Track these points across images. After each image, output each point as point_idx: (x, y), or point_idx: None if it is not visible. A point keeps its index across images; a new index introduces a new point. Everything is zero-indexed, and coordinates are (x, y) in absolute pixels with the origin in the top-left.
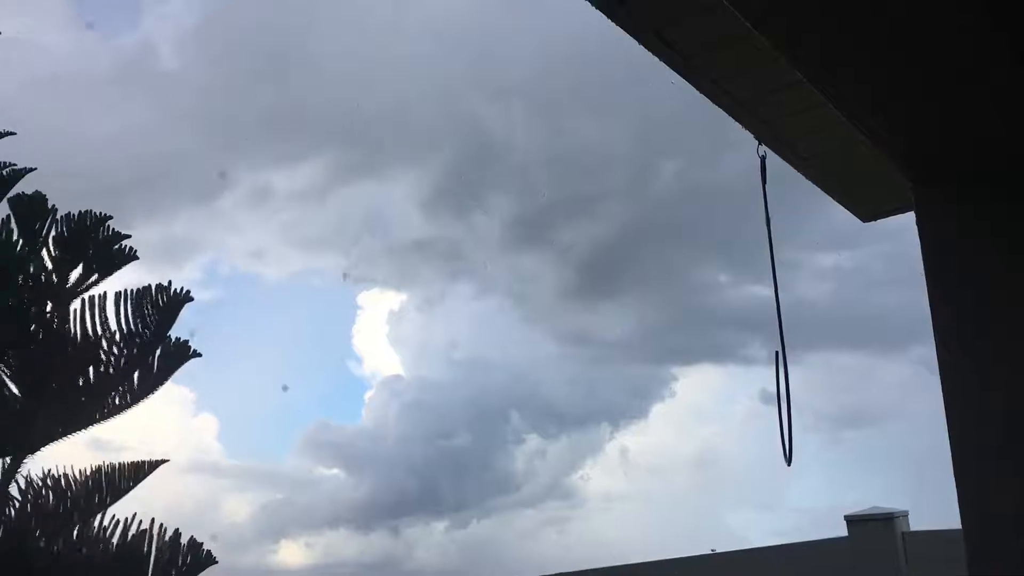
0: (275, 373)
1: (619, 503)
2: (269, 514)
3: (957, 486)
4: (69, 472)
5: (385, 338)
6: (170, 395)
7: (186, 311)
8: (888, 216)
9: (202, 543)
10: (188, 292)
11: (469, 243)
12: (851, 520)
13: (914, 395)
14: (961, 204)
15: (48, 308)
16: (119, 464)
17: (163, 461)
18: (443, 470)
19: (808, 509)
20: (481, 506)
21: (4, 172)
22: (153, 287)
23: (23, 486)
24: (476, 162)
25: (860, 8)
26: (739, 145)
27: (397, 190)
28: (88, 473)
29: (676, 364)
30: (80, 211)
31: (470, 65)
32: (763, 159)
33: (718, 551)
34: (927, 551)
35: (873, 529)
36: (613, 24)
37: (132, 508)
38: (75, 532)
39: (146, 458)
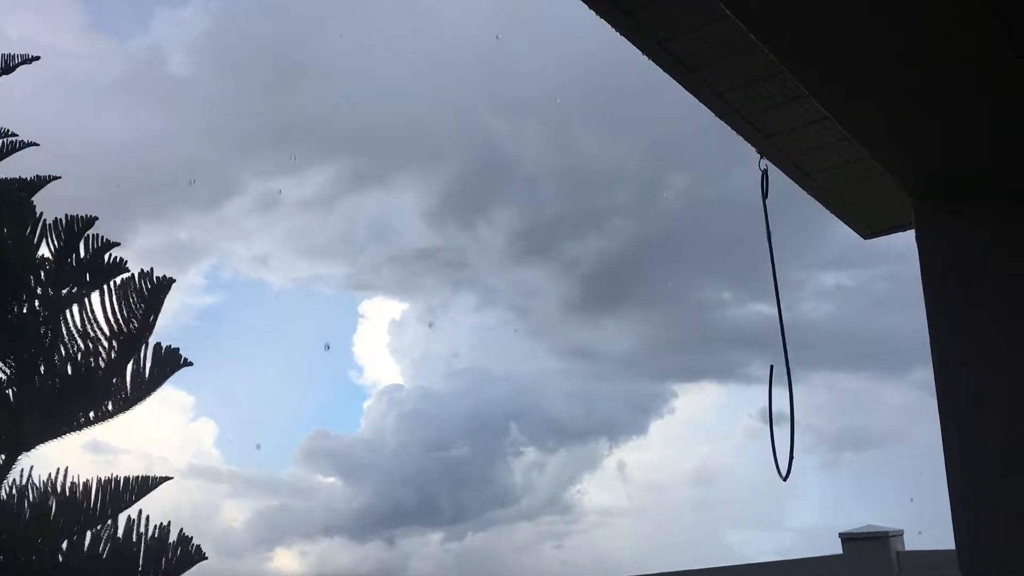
0: (275, 380)
1: (616, 518)
2: (265, 521)
3: (952, 509)
4: (74, 480)
5: (386, 347)
6: (169, 399)
7: (188, 315)
8: (889, 233)
9: (191, 537)
10: (172, 279)
11: (473, 255)
12: (846, 538)
13: (915, 418)
14: (961, 221)
15: (38, 311)
16: (124, 478)
17: (167, 478)
18: (440, 481)
19: (807, 529)
20: (478, 518)
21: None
22: (136, 275)
23: (19, 491)
24: (482, 174)
25: (861, 23)
26: (746, 162)
27: (403, 200)
28: (93, 484)
29: (677, 381)
30: (67, 216)
31: (480, 78)
32: (764, 173)
33: (712, 567)
34: (922, 571)
35: (868, 548)
36: (620, 36)
37: (129, 512)
38: (74, 539)
39: (148, 467)
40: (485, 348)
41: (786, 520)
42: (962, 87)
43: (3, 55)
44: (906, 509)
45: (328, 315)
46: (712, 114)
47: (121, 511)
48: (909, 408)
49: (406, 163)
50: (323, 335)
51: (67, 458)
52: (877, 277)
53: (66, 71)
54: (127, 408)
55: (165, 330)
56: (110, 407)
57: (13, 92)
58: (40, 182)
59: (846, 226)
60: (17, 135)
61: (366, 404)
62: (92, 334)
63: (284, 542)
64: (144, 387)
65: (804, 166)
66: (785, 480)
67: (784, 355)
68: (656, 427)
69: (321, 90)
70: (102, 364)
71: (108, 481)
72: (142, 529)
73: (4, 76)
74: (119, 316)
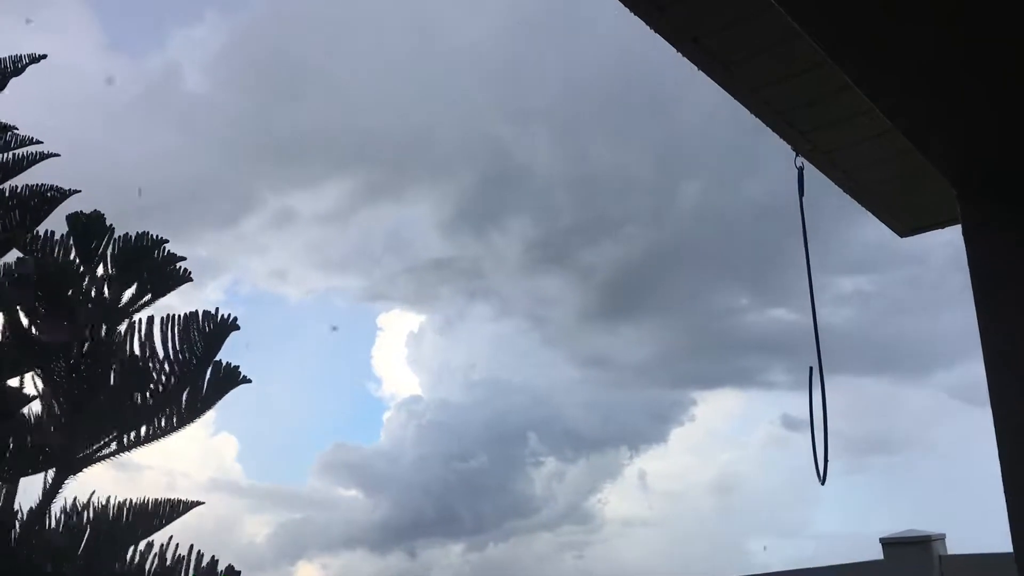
0: (295, 394)
1: (637, 528)
2: (287, 535)
3: (1008, 509)
4: (108, 501)
5: (404, 359)
6: None
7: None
8: (927, 231)
9: (239, 572)
10: (235, 319)
11: (489, 264)
12: (887, 543)
13: (937, 422)
14: (1012, 217)
15: (100, 325)
16: (155, 500)
17: (198, 503)
18: (461, 492)
19: (830, 535)
20: (498, 528)
21: (48, 193)
22: (200, 313)
23: (59, 512)
24: (497, 184)
25: (912, 7)
26: (760, 170)
27: (417, 211)
28: (127, 506)
29: (696, 388)
30: (137, 232)
31: (493, 89)
32: (801, 170)
33: (751, 575)
34: (966, 575)
35: (909, 552)
36: (634, 53)
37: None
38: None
39: (170, 482)
40: (503, 358)
41: (808, 527)
42: (1012, 72)
43: (11, 57)
44: (932, 513)
45: (346, 327)
46: (729, 121)
47: (151, 534)
48: (932, 412)
49: (420, 174)
50: (341, 348)
51: (92, 473)
52: (896, 281)
53: (85, 90)
54: (178, 429)
55: None
56: (163, 427)
57: (35, 110)
58: (62, 195)
59: (864, 231)
60: (42, 142)
61: (385, 416)
62: (153, 367)
63: (306, 555)
64: (198, 410)
65: (841, 163)
66: (823, 484)
67: (817, 357)
68: (677, 435)
69: (336, 104)
70: (159, 393)
71: (137, 504)
72: (191, 562)
73: (14, 77)
74: (180, 353)
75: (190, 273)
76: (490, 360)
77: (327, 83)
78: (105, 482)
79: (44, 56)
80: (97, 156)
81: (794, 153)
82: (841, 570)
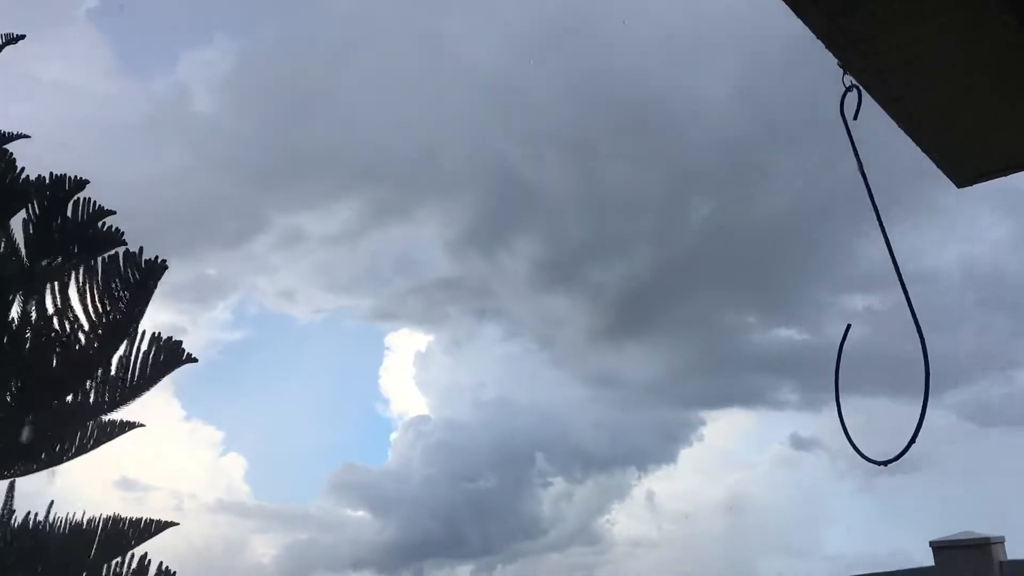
0: (302, 413)
1: (646, 549)
2: (294, 556)
3: None
4: (75, 519)
5: (412, 378)
6: (198, 434)
7: (215, 351)
8: (992, 178)
9: (168, 567)
10: (164, 261)
11: (497, 284)
12: (939, 547)
13: (950, 443)
14: None
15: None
16: (127, 519)
17: (172, 524)
18: (469, 512)
19: (840, 556)
20: (507, 550)
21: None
22: (121, 255)
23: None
24: (506, 204)
25: None
26: (769, 189)
27: (427, 231)
28: (96, 524)
29: (705, 408)
30: (52, 174)
31: (501, 108)
32: (849, 90)
33: None
34: None
35: (966, 557)
36: (644, 71)
37: (160, 548)
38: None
39: (177, 503)
40: (511, 378)
41: (820, 547)
42: None
43: None
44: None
45: (354, 347)
46: (738, 139)
47: (120, 554)
48: (944, 432)
49: (429, 194)
50: (349, 367)
51: (97, 494)
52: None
53: (96, 111)
54: (115, 406)
55: (194, 365)
56: (95, 404)
57: (46, 130)
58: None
59: (874, 249)
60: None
61: (393, 436)
62: (70, 325)
63: None
64: (136, 386)
65: (895, 86)
66: (886, 464)
67: (908, 306)
68: (685, 455)
69: (344, 124)
70: (82, 359)
71: (108, 521)
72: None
73: None
74: (99, 306)
75: (122, 233)
76: (498, 379)
77: (335, 104)
78: (110, 503)
79: (23, 36)
80: (106, 176)
81: (841, 71)
82: None
